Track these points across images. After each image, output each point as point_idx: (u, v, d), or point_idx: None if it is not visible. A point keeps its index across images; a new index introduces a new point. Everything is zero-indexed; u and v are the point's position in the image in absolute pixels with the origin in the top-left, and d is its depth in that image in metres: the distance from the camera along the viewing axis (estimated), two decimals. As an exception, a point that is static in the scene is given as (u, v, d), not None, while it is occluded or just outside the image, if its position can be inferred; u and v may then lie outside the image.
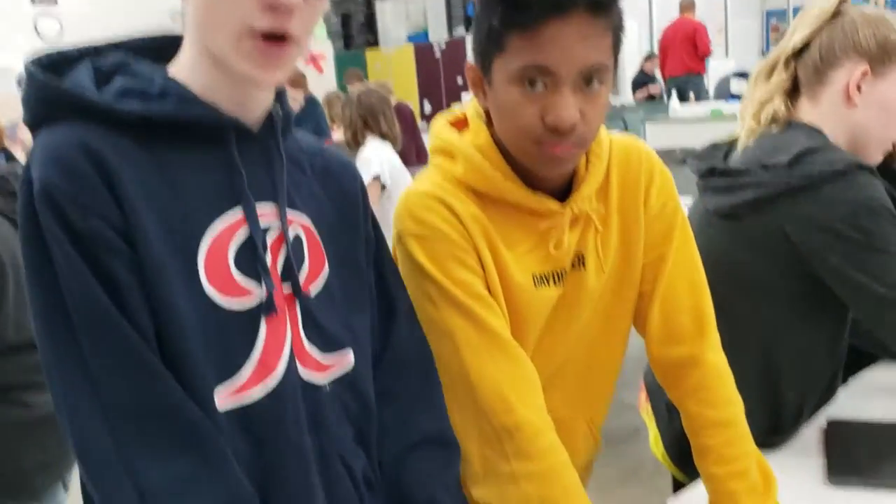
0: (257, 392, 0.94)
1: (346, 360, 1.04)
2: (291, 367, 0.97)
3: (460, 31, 11.78)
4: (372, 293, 1.13)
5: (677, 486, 1.80)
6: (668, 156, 1.39)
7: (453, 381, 1.18)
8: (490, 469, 1.18)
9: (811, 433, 1.72)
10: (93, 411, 0.86)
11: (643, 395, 1.88)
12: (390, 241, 1.21)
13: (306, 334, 1.00)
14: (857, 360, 2.04)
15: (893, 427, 1.71)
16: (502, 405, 1.15)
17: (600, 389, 1.41)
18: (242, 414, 0.93)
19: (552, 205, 1.20)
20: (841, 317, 1.70)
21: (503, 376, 1.16)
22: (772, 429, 1.66)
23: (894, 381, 1.99)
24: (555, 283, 1.25)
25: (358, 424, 1.07)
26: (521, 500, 1.15)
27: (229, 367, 0.92)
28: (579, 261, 1.26)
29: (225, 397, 0.92)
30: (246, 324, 0.94)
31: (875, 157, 1.68)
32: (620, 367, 1.42)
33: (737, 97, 7.03)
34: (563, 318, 1.28)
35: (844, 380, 1.91)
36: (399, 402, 1.12)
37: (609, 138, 1.28)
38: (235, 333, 0.93)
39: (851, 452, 1.59)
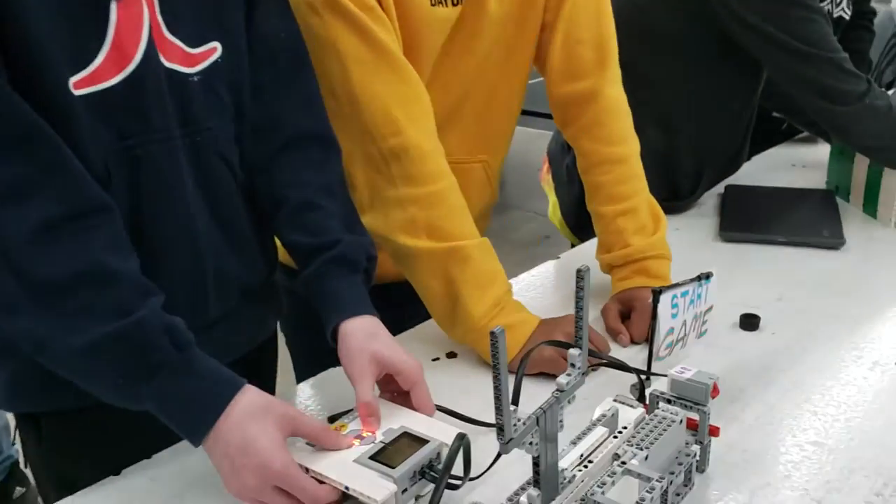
0: (115, 79, 0.86)
1: (213, 52, 0.95)
2: (151, 54, 0.88)
3: None
4: None
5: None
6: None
7: (338, 101, 1.10)
8: (376, 195, 1.13)
9: (711, 200, 1.74)
10: None
11: (545, 167, 1.86)
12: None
13: (167, 25, 0.90)
14: (764, 142, 2.05)
15: (786, 190, 1.74)
16: (390, 127, 1.09)
17: (498, 131, 1.35)
18: (100, 99, 0.85)
19: None
20: (748, 82, 1.67)
21: (392, 95, 1.09)
22: (670, 194, 1.66)
23: (795, 156, 2.02)
24: (453, 2, 1.15)
25: (233, 121, 0.98)
26: (407, 225, 1.10)
27: (83, 54, 0.84)
28: (481, -20, 1.17)
29: (79, 83, 0.83)
30: (93, 2, 0.84)
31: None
32: (519, 110, 1.37)
33: None
34: (460, 46, 1.19)
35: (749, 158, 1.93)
36: (268, 97, 1.01)
37: None
38: (84, 13, 0.84)
39: (744, 212, 1.62)
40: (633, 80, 1.38)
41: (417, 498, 0.87)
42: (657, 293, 1.01)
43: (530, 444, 0.73)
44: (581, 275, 0.74)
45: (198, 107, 0.93)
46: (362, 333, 0.95)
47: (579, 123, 1.27)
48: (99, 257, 0.81)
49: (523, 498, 0.77)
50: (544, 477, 0.76)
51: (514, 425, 0.71)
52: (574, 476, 0.79)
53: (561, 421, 0.77)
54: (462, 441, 0.85)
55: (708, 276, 1.07)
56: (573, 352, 0.77)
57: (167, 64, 0.90)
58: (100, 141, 0.86)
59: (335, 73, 1.09)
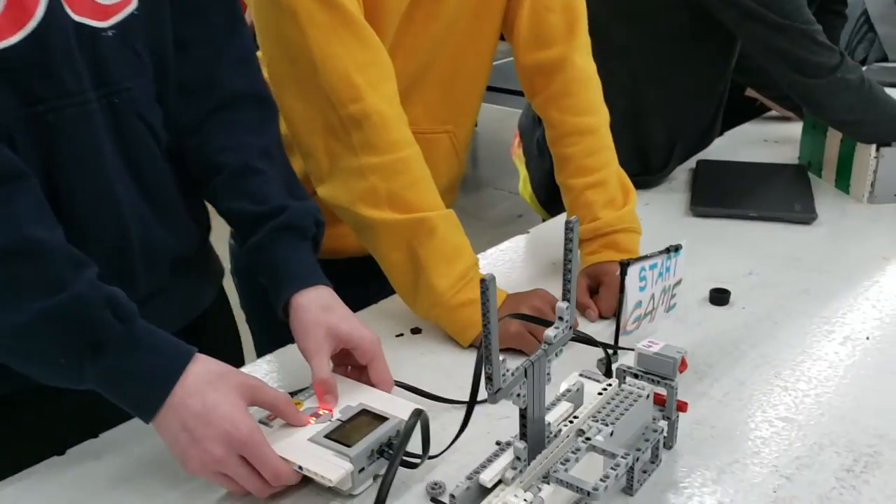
0: (15, 37, 0.78)
1: (128, 3, 0.87)
2: (55, 7, 0.80)
3: None
4: None
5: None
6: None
7: (296, 66, 1.05)
8: (336, 164, 1.08)
9: (683, 175, 1.71)
10: None
11: (516, 141, 1.82)
12: None
13: None
14: (737, 117, 2.03)
15: (758, 166, 1.72)
16: (350, 92, 1.04)
17: (465, 100, 1.31)
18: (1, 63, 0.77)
19: None
20: (722, 55, 1.64)
21: (352, 60, 1.04)
22: (641, 168, 1.63)
23: (767, 131, 2.00)
24: (417, -36, 1.11)
25: (154, 78, 0.91)
26: (368, 195, 1.06)
27: None
28: (445, -58, 1.12)
29: None
30: None
31: None
32: (487, 80, 1.33)
33: None
34: (425, 10, 1.15)
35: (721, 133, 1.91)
36: (199, 54, 0.95)
37: None
38: None
39: (716, 187, 1.59)
40: (605, 51, 1.35)
41: (376, 477, 0.84)
42: (625, 265, 0.98)
43: (518, 395, 0.71)
44: (570, 226, 0.72)
45: (113, 65, 0.85)
46: (316, 306, 0.91)
47: (547, 93, 1.24)
48: (24, 229, 0.75)
49: (505, 457, 0.74)
50: (531, 430, 0.74)
51: (503, 376, 0.69)
52: (560, 430, 0.77)
53: (548, 374, 0.75)
54: (419, 417, 0.82)
55: (677, 248, 1.04)
56: (561, 304, 0.75)
57: (76, 17, 0.82)
58: (3, 107, 0.79)
59: (293, 36, 1.04)
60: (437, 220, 1.07)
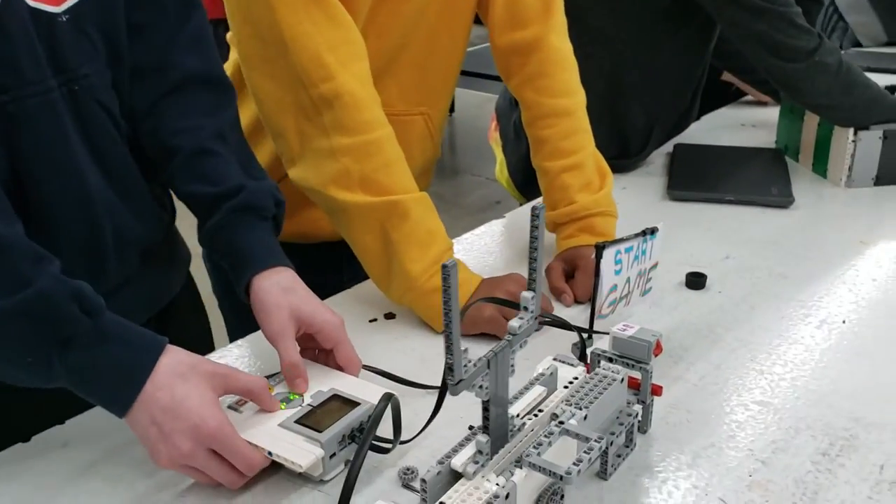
0: None
1: None
2: None
3: None
4: None
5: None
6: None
7: (265, 45, 1.03)
8: (307, 145, 1.06)
9: (660, 159, 1.70)
10: None
11: (493, 124, 1.81)
12: None
13: None
14: (714, 101, 2.03)
15: (735, 150, 1.71)
16: (321, 71, 1.02)
17: (439, 82, 1.29)
18: None
19: None
20: (701, 41, 1.63)
21: (323, 39, 1.02)
22: (619, 152, 1.62)
23: (744, 116, 1.99)
24: (390, -58, 1.09)
25: (108, 63, 0.89)
26: (339, 177, 1.04)
27: None
28: (419, -81, 1.10)
29: None
30: None
31: None
32: (462, 61, 1.31)
33: None
34: (398, -11, 1.13)
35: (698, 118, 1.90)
36: (153, 37, 0.93)
37: None
38: None
39: (693, 171, 1.59)
40: (582, 33, 1.33)
41: (347, 463, 0.82)
42: (600, 248, 0.97)
43: (480, 387, 0.69)
44: (536, 212, 0.69)
45: (70, 51, 0.83)
46: (277, 288, 0.89)
47: (523, 74, 1.22)
48: None
49: (468, 448, 0.72)
50: (494, 423, 0.72)
51: (465, 366, 0.66)
52: (524, 424, 0.76)
53: (512, 366, 0.73)
54: (389, 401, 0.80)
55: (653, 231, 1.03)
56: (526, 294, 0.72)
57: (31, 3, 0.80)
58: None
59: (262, 15, 1.01)
60: (410, 203, 1.05)
